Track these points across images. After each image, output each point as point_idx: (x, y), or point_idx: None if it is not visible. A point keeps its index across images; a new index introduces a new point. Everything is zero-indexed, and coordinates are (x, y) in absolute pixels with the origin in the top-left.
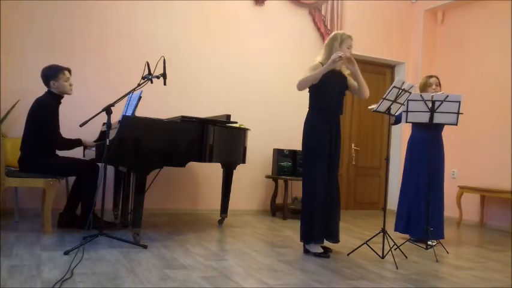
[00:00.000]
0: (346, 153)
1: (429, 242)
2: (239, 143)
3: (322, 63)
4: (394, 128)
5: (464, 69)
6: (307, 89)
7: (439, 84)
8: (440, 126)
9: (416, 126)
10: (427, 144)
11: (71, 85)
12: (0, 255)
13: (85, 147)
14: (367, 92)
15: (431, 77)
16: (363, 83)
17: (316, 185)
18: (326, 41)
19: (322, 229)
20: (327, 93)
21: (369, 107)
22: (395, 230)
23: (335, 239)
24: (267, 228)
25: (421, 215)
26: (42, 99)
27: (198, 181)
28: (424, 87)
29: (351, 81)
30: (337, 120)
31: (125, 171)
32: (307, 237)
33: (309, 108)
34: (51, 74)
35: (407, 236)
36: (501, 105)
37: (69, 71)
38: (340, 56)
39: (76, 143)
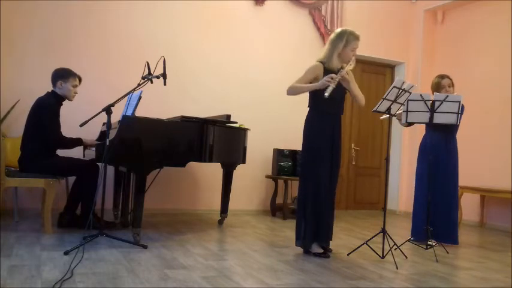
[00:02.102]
0: (346, 153)
1: (429, 242)
2: (239, 143)
3: (322, 62)
4: (394, 128)
5: (464, 69)
6: None
7: (452, 85)
8: (454, 128)
9: (428, 126)
10: (437, 145)
11: (75, 92)
12: (0, 255)
13: (85, 147)
14: (363, 102)
15: (443, 77)
16: (358, 95)
17: (319, 186)
18: (332, 36)
19: (323, 231)
20: (329, 97)
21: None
22: (414, 236)
23: (329, 239)
24: (267, 228)
25: (436, 216)
26: (43, 99)
27: (198, 181)
28: (437, 88)
29: (351, 87)
30: (338, 122)
31: (125, 171)
32: (311, 237)
33: (309, 108)
34: (63, 74)
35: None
36: (501, 105)
37: (80, 79)
38: (330, 81)
39: (77, 142)
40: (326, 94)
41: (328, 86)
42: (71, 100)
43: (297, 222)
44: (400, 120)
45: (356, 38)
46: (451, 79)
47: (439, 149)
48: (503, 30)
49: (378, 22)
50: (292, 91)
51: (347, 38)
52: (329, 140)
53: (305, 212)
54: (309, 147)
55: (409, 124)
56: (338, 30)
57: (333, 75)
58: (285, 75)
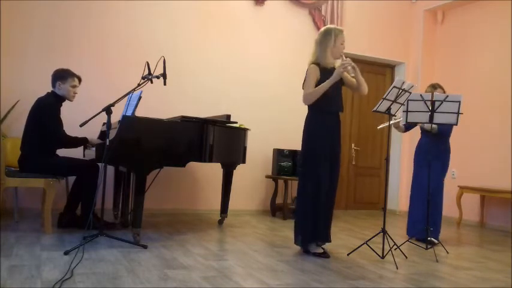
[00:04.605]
0: (346, 153)
1: (430, 238)
2: (239, 143)
3: (316, 64)
4: (394, 128)
5: (464, 69)
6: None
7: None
8: (446, 135)
9: (423, 134)
10: (430, 148)
11: (75, 93)
12: (0, 255)
13: (85, 147)
14: (366, 89)
15: (435, 87)
16: (362, 81)
17: (318, 186)
18: (318, 37)
19: (321, 231)
20: (325, 94)
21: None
22: (409, 235)
23: (327, 239)
24: (267, 228)
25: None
26: (43, 99)
27: (198, 181)
28: None
29: (348, 78)
30: (337, 120)
31: (124, 171)
32: (310, 237)
33: (308, 109)
34: (62, 75)
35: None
36: (501, 105)
37: (80, 79)
38: (347, 67)
39: (82, 141)
40: (352, 74)
41: (347, 70)
42: (71, 100)
43: (295, 221)
44: (397, 128)
45: (341, 31)
46: (443, 89)
47: (432, 151)
48: (503, 30)
49: (378, 22)
50: (311, 97)
51: (334, 33)
52: (328, 139)
53: (304, 211)
54: (308, 147)
55: (407, 129)
56: (322, 30)
57: (346, 62)
58: (285, 75)
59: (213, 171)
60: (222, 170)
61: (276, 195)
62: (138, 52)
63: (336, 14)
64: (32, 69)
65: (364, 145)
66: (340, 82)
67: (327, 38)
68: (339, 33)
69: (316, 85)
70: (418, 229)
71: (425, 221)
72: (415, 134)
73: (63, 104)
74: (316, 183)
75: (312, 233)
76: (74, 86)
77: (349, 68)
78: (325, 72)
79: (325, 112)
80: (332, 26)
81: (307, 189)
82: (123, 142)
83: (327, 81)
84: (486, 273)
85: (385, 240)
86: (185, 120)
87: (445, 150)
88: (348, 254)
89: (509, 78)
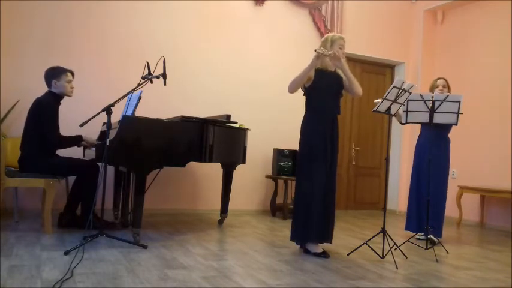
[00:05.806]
0: (346, 153)
1: (418, 237)
2: (239, 143)
3: (315, 68)
4: (394, 128)
5: (464, 69)
6: (303, 92)
7: (447, 86)
8: (447, 127)
9: (423, 126)
10: (430, 144)
11: (72, 87)
12: (0, 255)
13: (85, 147)
14: (358, 89)
15: (439, 78)
16: (352, 79)
17: (312, 186)
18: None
19: (317, 230)
20: (321, 95)
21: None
22: (406, 229)
23: (329, 240)
24: (267, 228)
25: (425, 209)
26: (42, 99)
27: (198, 181)
28: (431, 89)
29: (345, 82)
30: (334, 121)
31: (124, 171)
32: (302, 237)
33: (305, 110)
34: (54, 73)
35: (411, 235)
36: (501, 105)
37: (72, 73)
38: (318, 52)
39: (76, 140)
40: (316, 49)
41: (320, 53)
42: (70, 96)
43: (292, 220)
44: (397, 117)
45: (340, 37)
46: (446, 81)
47: (432, 146)
48: (503, 30)
49: (378, 22)
50: (292, 85)
51: (332, 39)
52: (324, 139)
53: (299, 210)
54: (303, 147)
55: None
56: (323, 38)
57: (320, 49)
58: (285, 75)
59: (213, 171)
60: (222, 170)
61: (276, 195)
62: (138, 52)
63: (336, 14)
64: (32, 69)
65: (364, 145)
66: (340, 86)
67: (324, 43)
68: (336, 38)
69: (311, 85)
70: (415, 224)
71: (421, 216)
72: (416, 133)
73: (62, 103)
74: (311, 183)
75: (307, 232)
76: (69, 81)
77: (322, 51)
78: (323, 74)
79: (320, 113)
80: (331, 33)
81: (302, 189)
82: (123, 142)
83: (305, 67)
84: (486, 273)
85: (385, 240)
86: (185, 120)
87: (446, 145)
88: (348, 254)
89: (510, 78)
